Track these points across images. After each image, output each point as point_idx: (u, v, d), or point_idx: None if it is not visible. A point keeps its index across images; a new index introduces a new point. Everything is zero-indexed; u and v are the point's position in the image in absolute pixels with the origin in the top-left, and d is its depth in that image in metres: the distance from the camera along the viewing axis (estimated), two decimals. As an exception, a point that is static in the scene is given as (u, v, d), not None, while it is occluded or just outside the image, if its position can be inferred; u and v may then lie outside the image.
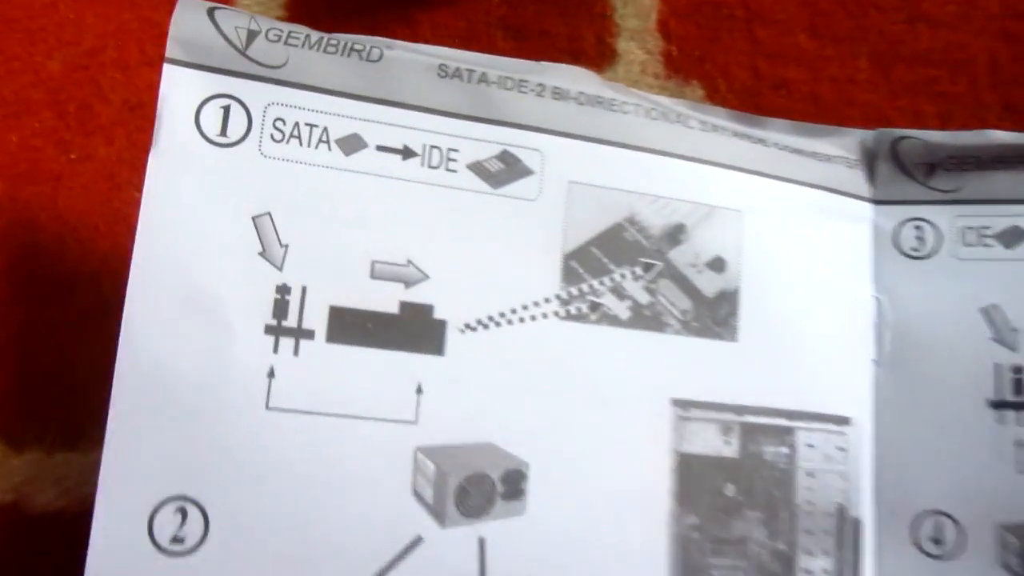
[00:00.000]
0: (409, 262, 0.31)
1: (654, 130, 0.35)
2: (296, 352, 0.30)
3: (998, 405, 0.35)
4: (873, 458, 0.36)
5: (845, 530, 0.35)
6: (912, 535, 0.35)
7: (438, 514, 0.29)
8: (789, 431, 0.34)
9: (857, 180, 0.38)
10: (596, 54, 0.42)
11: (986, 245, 0.37)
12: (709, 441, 0.33)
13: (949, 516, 0.35)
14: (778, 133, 0.38)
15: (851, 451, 0.35)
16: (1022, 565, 0.33)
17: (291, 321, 0.30)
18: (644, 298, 0.33)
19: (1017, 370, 0.35)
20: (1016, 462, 0.35)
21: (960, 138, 0.38)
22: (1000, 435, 0.35)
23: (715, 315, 0.34)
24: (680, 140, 0.35)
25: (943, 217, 0.37)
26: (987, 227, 0.37)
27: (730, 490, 0.33)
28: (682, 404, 0.33)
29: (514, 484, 0.30)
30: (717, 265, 0.35)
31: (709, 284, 0.34)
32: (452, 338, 0.31)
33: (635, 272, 0.34)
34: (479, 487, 0.30)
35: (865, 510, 0.36)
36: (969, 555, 0.35)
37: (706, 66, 0.42)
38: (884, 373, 0.36)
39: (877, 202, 0.38)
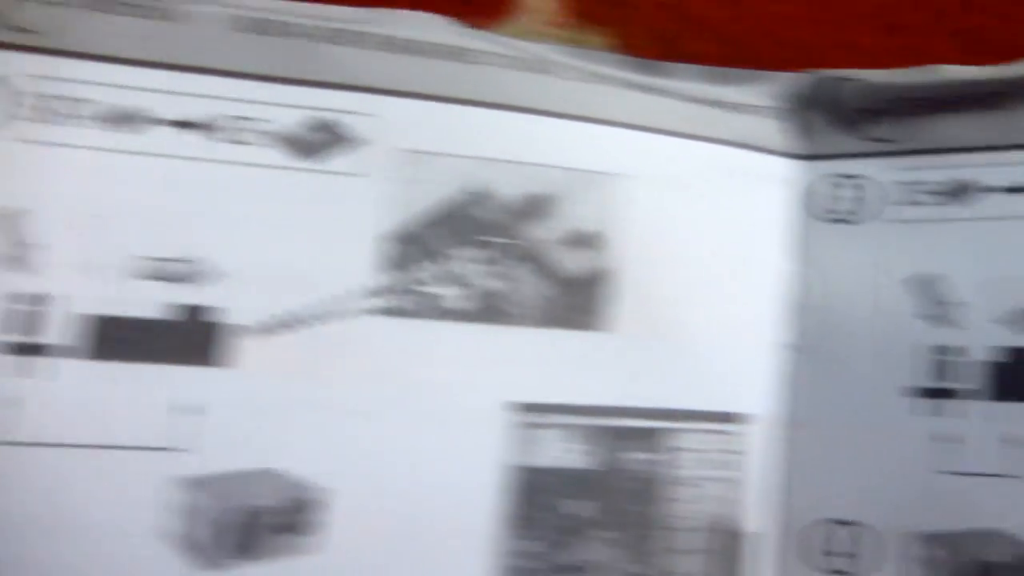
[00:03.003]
0: (190, 258, 0.27)
1: (517, 83, 0.30)
2: (53, 375, 0.26)
3: (914, 393, 0.30)
4: (778, 461, 0.31)
5: (731, 547, 0.30)
6: (817, 549, 0.31)
7: (201, 557, 0.26)
8: (664, 434, 0.30)
9: (779, 133, 0.33)
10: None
11: (923, 203, 0.31)
12: (557, 451, 0.29)
13: (861, 525, 0.30)
14: (685, 82, 0.32)
15: (745, 454, 0.30)
16: None
17: (46, 337, 0.26)
18: (491, 285, 0.29)
19: (940, 351, 0.29)
20: (935, 461, 0.30)
21: (900, 76, 0.32)
22: (918, 429, 0.30)
23: (581, 302, 0.29)
24: (550, 94, 0.30)
25: (878, 172, 0.32)
26: (927, 181, 0.31)
27: (580, 508, 0.29)
28: (523, 409, 0.29)
29: (297, 516, 0.26)
30: (589, 242, 0.29)
31: (577, 265, 0.29)
32: (241, 345, 0.27)
33: (481, 255, 0.29)
34: (249, 522, 0.26)
35: (762, 522, 0.31)
36: (880, 570, 0.30)
37: (618, 10, 0.35)
38: (798, 360, 0.31)
39: (801, 157, 0.33)
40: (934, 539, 0.30)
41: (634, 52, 0.34)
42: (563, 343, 0.29)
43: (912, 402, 0.30)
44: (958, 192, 0.31)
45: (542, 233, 0.29)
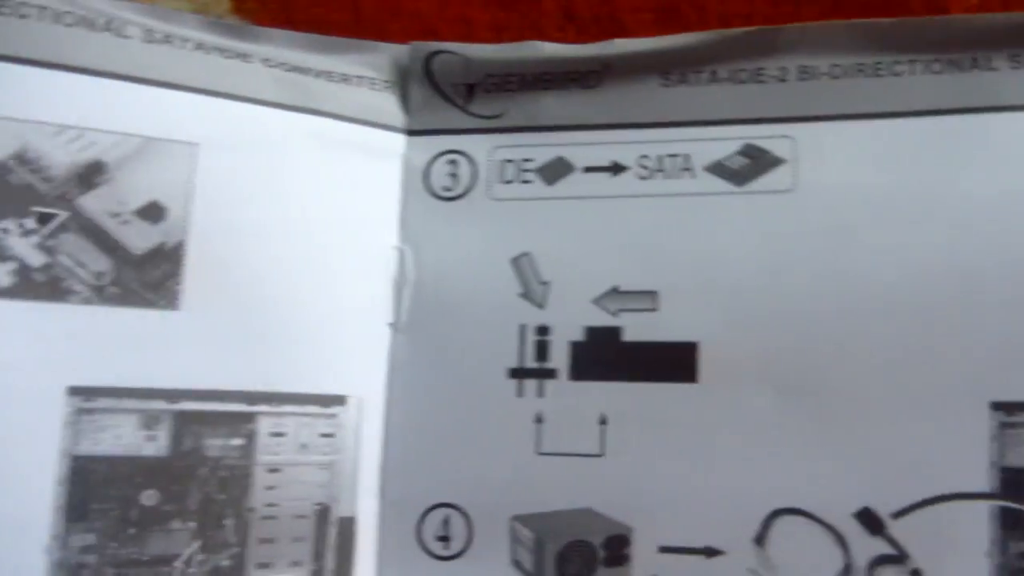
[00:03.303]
0: None
1: (64, 40, 0.27)
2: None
3: (518, 373, 0.29)
4: (379, 444, 0.29)
5: (329, 534, 0.27)
6: (418, 533, 0.29)
7: None
8: (247, 418, 0.27)
9: (385, 106, 0.32)
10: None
11: (526, 181, 0.29)
12: (123, 438, 0.26)
13: (459, 509, 0.29)
14: (281, 48, 0.31)
15: (342, 438, 0.28)
16: (534, 562, 0.27)
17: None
18: (37, 259, 0.26)
19: (542, 331, 0.28)
20: (535, 442, 0.29)
21: (500, 52, 0.30)
22: (521, 410, 0.29)
23: (146, 277, 0.27)
24: (106, 53, 0.28)
25: (481, 149, 0.30)
26: (529, 159, 0.30)
27: (150, 498, 0.26)
28: (84, 393, 0.27)
29: None
30: (152, 213, 0.27)
31: (139, 238, 0.27)
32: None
33: (24, 226, 0.26)
34: None
35: (364, 507, 0.30)
36: (477, 553, 0.29)
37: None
38: (401, 340, 0.30)
39: (408, 132, 0.31)
40: (531, 520, 0.29)
41: (250, 17, 0.32)
42: (128, 322, 0.27)
43: (517, 384, 0.29)
44: (559, 171, 0.30)
45: (101, 204, 0.27)
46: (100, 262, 0.27)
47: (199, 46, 0.29)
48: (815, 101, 0.29)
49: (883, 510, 0.26)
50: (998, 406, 0.26)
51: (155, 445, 0.27)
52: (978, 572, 0.25)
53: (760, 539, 0.27)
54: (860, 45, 0.28)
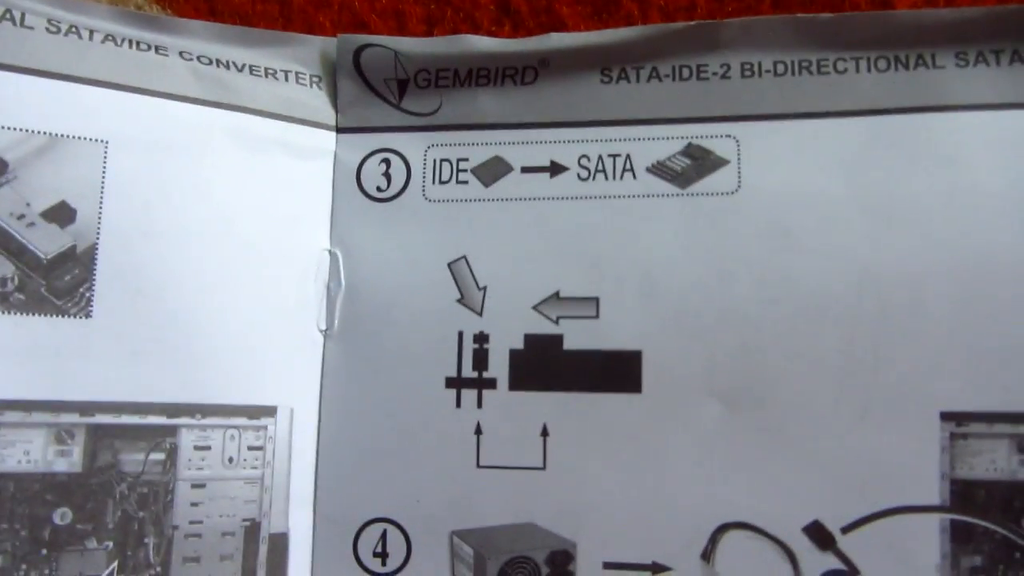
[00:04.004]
0: None
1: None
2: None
3: (456, 383, 0.28)
4: (310, 457, 0.27)
5: (259, 551, 0.26)
6: (354, 549, 0.28)
7: None
8: (168, 431, 0.25)
9: (316, 102, 0.30)
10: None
11: (462, 182, 0.28)
12: (33, 453, 0.24)
13: (397, 524, 0.28)
14: (201, 41, 0.29)
15: (272, 450, 0.26)
16: None
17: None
18: (-65, 264, 0.23)
19: (480, 338, 0.26)
20: (475, 455, 0.28)
21: (432, 46, 0.29)
22: (459, 421, 0.28)
23: (56, 283, 0.25)
24: (5, 44, 0.27)
25: (415, 147, 0.29)
26: (465, 159, 0.28)
27: (63, 517, 0.24)
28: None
29: None
30: (61, 215, 0.25)
31: (47, 241, 0.25)
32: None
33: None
34: None
35: (296, 522, 0.28)
36: (416, 570, 0.28)
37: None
38: (333, 348, 0.29)
39: (339, 130, 0.29)
40: (471, 535, 0.27)
41: (171, 8, 0.30)
42: (37, 331, 0.25)
43: (455, 394, 0.28)
44: (496, 171, 0.28)
45: (4, 205, 0.25)
46: (4, 267, 0.25)
47: (109, 37, 0.27)
48: (759, 100, 0.28)
49: (833, 524, 0.25)
50: (948, 416, 0.25)
51: (68, 461, 0.25)
52: (930, 586, 0.25)
53: (707, 554, 0.26)
54: (804, 41, 0.27)
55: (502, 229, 0.28)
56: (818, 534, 0.26)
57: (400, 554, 0.28)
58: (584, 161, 0.28)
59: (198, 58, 0.28)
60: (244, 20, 0.31)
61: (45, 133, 0.26)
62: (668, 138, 0.28)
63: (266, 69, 0.29)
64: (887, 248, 0.26)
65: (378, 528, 0.28)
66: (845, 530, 0.25)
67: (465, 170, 0.29)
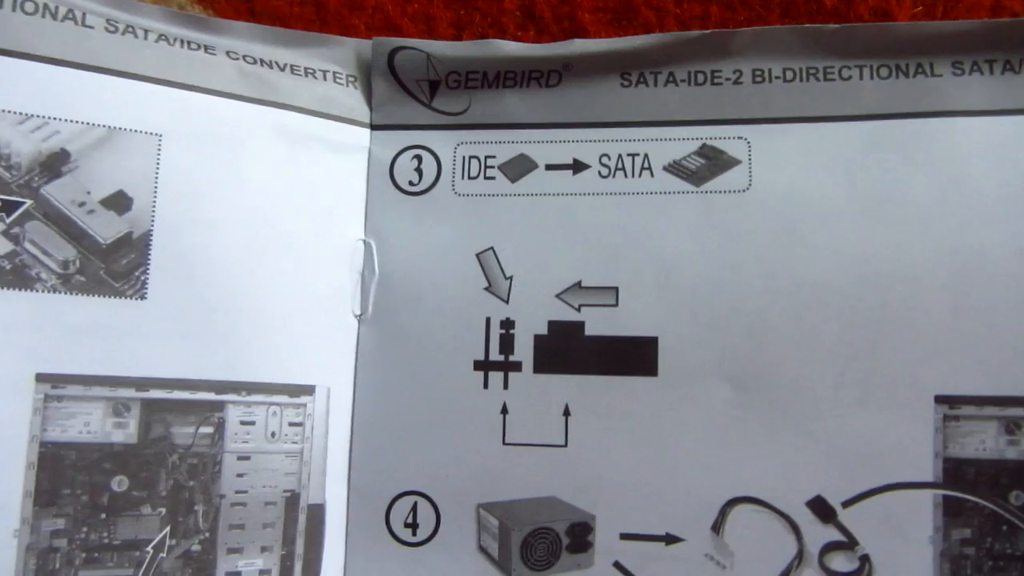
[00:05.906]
0: None
1: (25, 29, 0.27)
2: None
3: (484, 366, 0.30)
4: (346, 433, 0.29)
5: (298, 520, 0.28)
6: (386, 520, 0.30)
7: None
8: (216, 407, 0.27)
9: (351, 101, 0.32)
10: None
11: (490, 177, 0.30)
12: (92, 425, 0.26)
13: (427, 497, 0.30)
14: (244, 41, 0.31)
15: (311, 427, 0.28)
16: (500, 549, 0.28)
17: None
18: (3, 247, 0.26)
19: (507, 324, 0.28)
20: (501, 433, 0.30)
21: (463, 49, 0.31)
22: (486, 401, 0.30)
23: (113, 267, 0.27)
24: (68, 43, 0.28)
25: (445, 145, 0.31)
26: (493, 156, 0.30)
27: (120, 484, 0.26)
28: (52, 380, 0.27)
29: None
30: (118, 202, 0.27)
31: (106, 227, 0.27)
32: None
33: (-5, 215, 0.26)
34: None
35: (332, 494, 0.30)
36: (445, 540, 0.30)
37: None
38: (367, 332, 0.30)
39: (373, 127, 0.31)
40: (497, 508, 0.29)
41: (211, 9, 0.32)
42: (96, 311, 0.27)
43: (482, 376, 0.30)
44: (522, 168, 0.30)
45: (66, 193, 0.27)
46: (66, 251, 0.27)
47: (162, 37, 0.29)
48: (769, 104, 0.30)
49: (834, 499, 0.27)
50: (941, 399, 0.27)
51: (124, 432, 0.27)
52: (923, 557, 0.27)
53: (717, 526, 0.28)
54: (810, 49, 0.29)
55: (527, 222, 0.30)
56: (820, 508, 0.28)
57: (430, 525, 0.30)
58: (605, 159, 0.30)
59: (243, 57, 0.30)
60: (282, 21, 0.32)
61: (104, 126, 0.27)
62: (684, 139, 0.30)
63: (305, 69, 0.31)
64: (886, 244, 0.28)
65: (409, 500, 0.30)
66: (845, 504, 0.28)
67: (492, 167, 0.31)
